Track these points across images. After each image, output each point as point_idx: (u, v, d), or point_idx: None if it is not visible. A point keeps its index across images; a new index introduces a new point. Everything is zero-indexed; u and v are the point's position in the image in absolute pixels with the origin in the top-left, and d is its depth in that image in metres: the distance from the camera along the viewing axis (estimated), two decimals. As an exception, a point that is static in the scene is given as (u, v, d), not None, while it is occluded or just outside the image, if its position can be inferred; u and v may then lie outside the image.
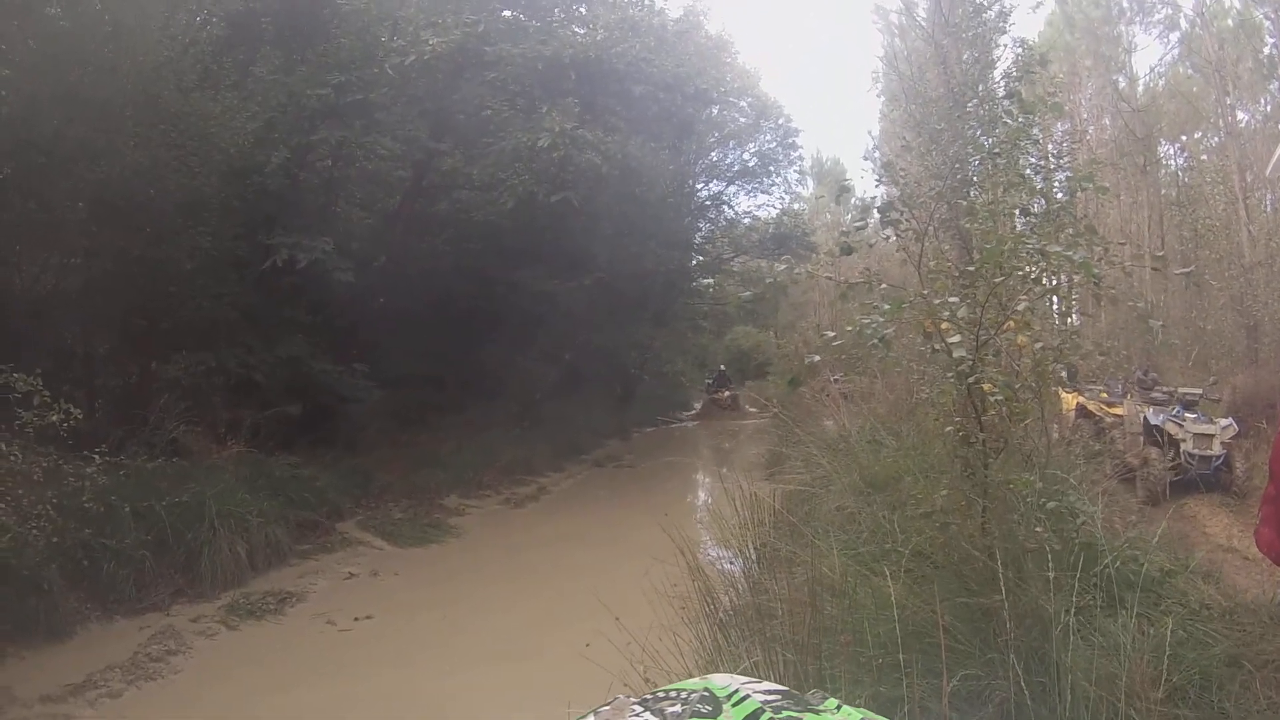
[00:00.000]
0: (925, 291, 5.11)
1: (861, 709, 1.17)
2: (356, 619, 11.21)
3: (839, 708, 1.16)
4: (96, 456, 10.43)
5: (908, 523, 6.33)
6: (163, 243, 13.98)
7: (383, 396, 18.79)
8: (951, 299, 5.05)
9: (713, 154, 36.59)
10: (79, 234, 13.57)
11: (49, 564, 9.79)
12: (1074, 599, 4.56)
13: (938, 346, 5.14)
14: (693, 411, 40.36)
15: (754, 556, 7.59)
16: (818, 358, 6.11)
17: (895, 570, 5.11)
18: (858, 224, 6.13)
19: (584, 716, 1.14)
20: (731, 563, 7.93)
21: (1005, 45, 16.09)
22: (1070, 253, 4.95)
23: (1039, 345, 5.48)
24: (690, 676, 4.26)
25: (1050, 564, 4.62)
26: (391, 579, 13.25)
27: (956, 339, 4.97)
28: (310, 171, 18.30)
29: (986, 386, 4.96)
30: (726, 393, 39.28)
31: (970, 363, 4.90)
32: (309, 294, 17.58)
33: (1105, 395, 15.26)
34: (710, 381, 42.01)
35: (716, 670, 5.20)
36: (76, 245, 13.85)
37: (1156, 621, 5.05)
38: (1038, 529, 5.05)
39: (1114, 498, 9.34)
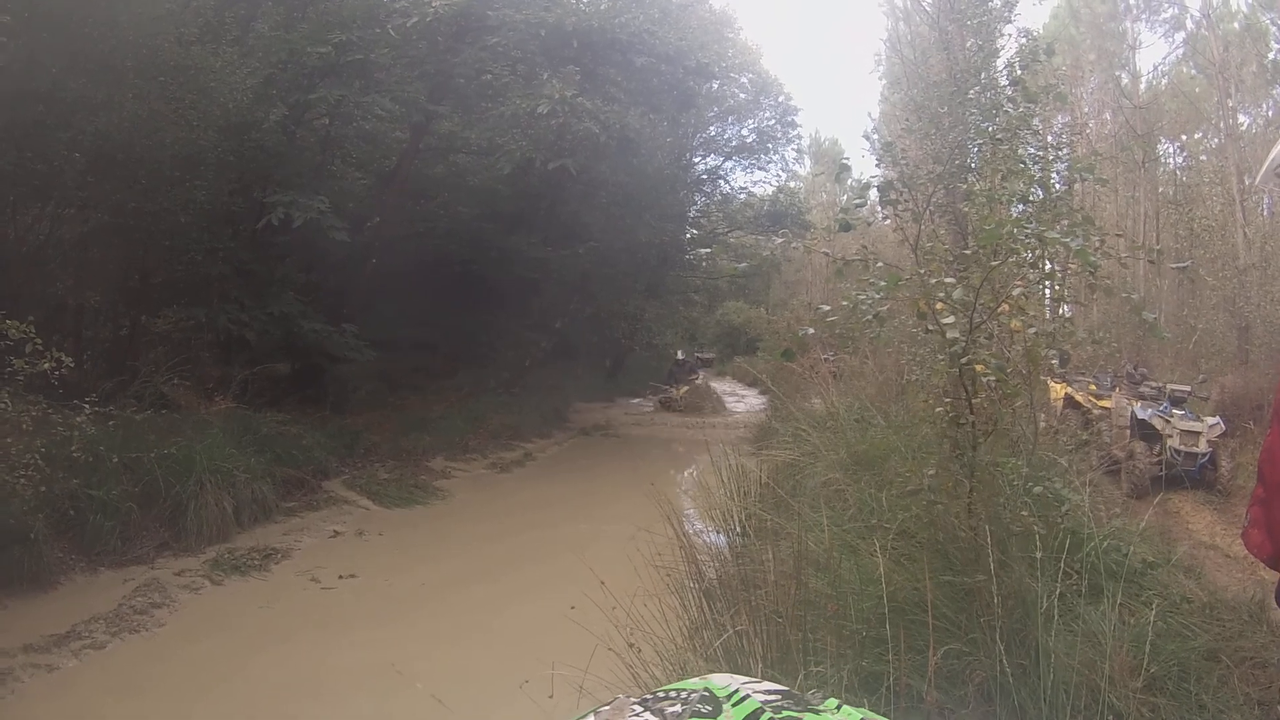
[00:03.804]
0: (922, 271, 5.12)
1: (861, 709, 1.17)
2: (341, 577, 11.23)
3: (839, 707, 1.16)
4: (86, 406, 10.43)
5: (894, 500, 6.36)
6: (158, 196, 13.96)
7: (373, 358, 18.80)
8: (948, 279, 5.06)
9: (711, 128, 36.55)
10: (75, 186, 13.55)
11: (35, 514, 9.80)
12: (1058, 583, 4.59)
13: (932, 327, 5.15)
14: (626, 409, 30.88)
15: (739, 528, 7.62)
16: (811, 330, 6.09)
17: (881, 546, 5.13)
18: (857, 201, 6.13)
19: (584, 716, 1.15)
20: (717, 532, 7.96)
21: (1009, 34, 16.09)
22: (1068, 239, 4.96)
23: (1032, 330, 5.50)
24: (674, 642, 4.29)
25: (1036, 546, 4.66)
26: (376, 539, 13.29)
27: (950, 320, 4.98)
28: (307, 129, 18.28)
29: (979, 368, 4.98)
30: (684, 388, 31.33)
31: (963, 344, 4.92)
32: (302, 252, 17.61)
33: (1094, 387, 15.31)
34: (669, 373, 33.39)
35: (699, 636, 5.24)
36: (72, 197, 13.84)
37: (1137, 612, 5.10)
38: (1023, 512, 5.08)
39: (1099, 489, 9.38)
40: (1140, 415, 13.57)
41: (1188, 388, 14.26)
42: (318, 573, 11.37)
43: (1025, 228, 5.06)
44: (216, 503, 12.09)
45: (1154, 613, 4.88)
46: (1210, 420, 13.40)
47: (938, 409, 5.66)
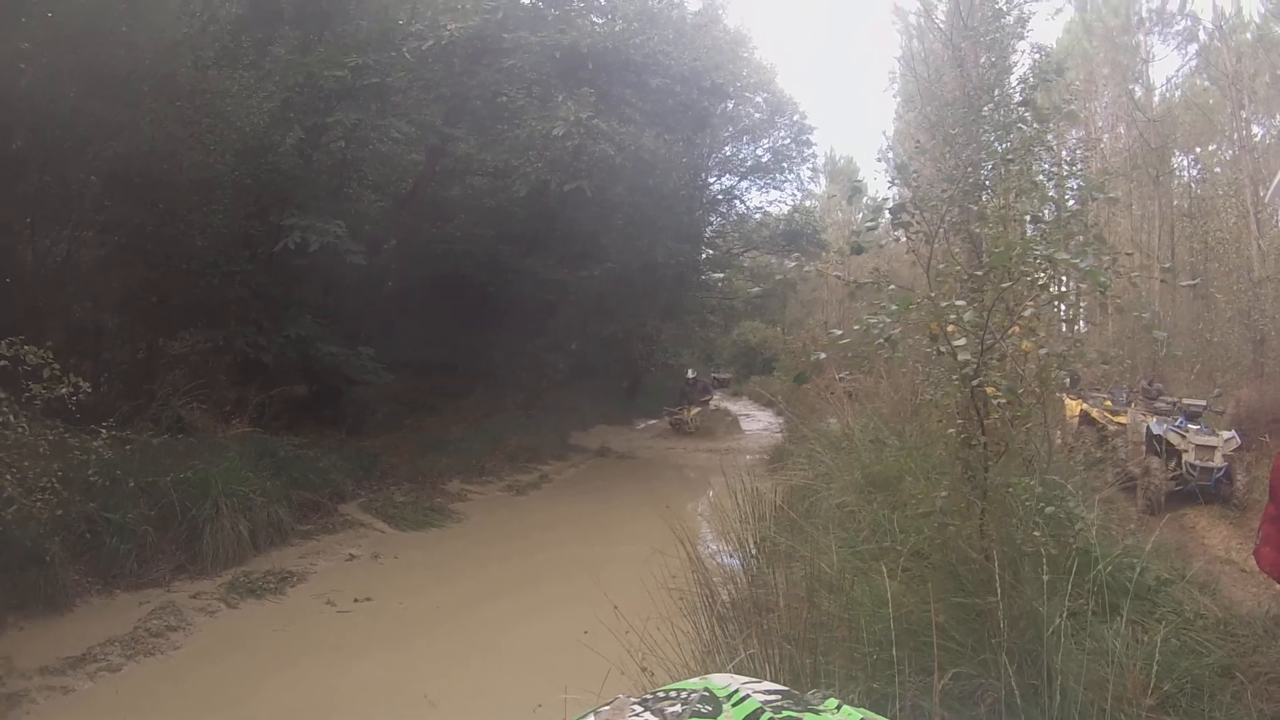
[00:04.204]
0: (933, 294, 5.13)
1: (861, 709, 1.17)
2: (356, 600, 11.25)
3: (839, 707, 1.17)
4: (103, 430, 10.49)
5: (907, 522, 6.35)
6: (175, 219, 14.08)
7: (390, 380, 18.81)
8: (958, 302, 5.06)
9: (726, 148, 36.49)
10: (93, 209, 13.70)
11: (52, 537, 9.85)
12: (1067, 603, 4.58)
13: (943, 349, 5.16)
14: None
15: (754, 551, 7.62)
16: (824, 355, 6.11)
17: (893, 569, 5.13)
18: (869, 224, 6.15)
19: (584, 716, 1.15)
20: (731, 556, 7.96)
21: (1023, 50, 16.09)
22: (1077, 260, 4.97)
23: (1043, 351, 5.50)
24: (686, 666, 4.28)
25: (1045, 568, 4.64)
26: (392, 562, 13.30)
27: (962, 342, 4.98)
28: (324, 153, 18.35)
29: (990, 390, 4.98)
30: (695, 410, 29.89)
31: (975, 366, 4.92)
32: (319, 275, 17.63)
33: (1109, 403, 15.24)
34: (682, 393, 31.40)
35: (712, 660, 5.24)
36: (90, 220, 13.96)
37: (1151, 630, 5.08)
38: (1035, 533, 5.06)
39: (1114, 506, 9.37)
40: (1155, 430, 13.51)
41: (1203, 402, 14.17)
42: (333, 595, 11.39)
43: (1035, 249, 5.06)
44: (233, 526, 12.12)
45: (1166, 630, 4.88)
46: (1226, 434, 13.31)
47: (950, 430, 5.66)
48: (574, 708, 4.59)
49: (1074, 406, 14.90)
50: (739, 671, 4.73)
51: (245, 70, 15.52)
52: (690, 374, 32.85)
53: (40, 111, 12.22)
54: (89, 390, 9.98)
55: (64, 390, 9.45)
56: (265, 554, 12.61)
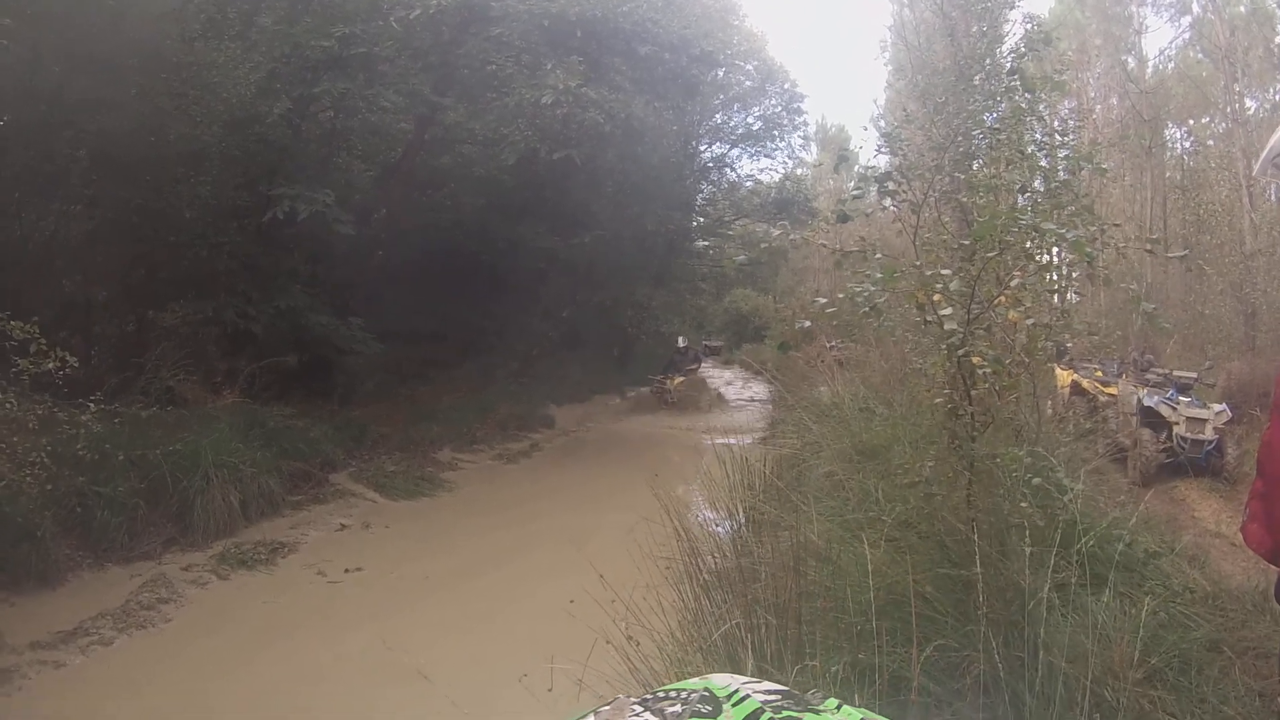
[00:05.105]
0: (918, 263, 5.10)
1: (862, 709, 1.17)
2: (347, 570, 11.27)
3: (839, 707, 1.16)
4: (91, 404, 10.50)
5: (894, 492, 6.33)
6: (163, 192, 14.03)
7: (381, 350, 18.81)
8: (944, 271, 5.03)
9: (717, 116, 36.59)
10: (80, 183, 13.65)
11: (42, 511, 9.84)
12: (1050, 575, 4.55)
13: (930, 318, 5.13)
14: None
15: (741, 520, 7.61)
16: (809, 323, 6.10)
17: (878, 538, 5.11)
18: (855, 192, 6.11)
19: (584, 716, 1.14)
20: (718, 525, 7.96)
21: (1015, 20, 16.05)
22: (1064, 230, 4.94)
23: (1030, 321, 5.47)
24: (672, 635, 4.28)
25: (1028, 539, 4.61)
26: (382, 531, 13.33)
27: (948, 311, 4.95)
28: (312, 123, 18.23)
29: (975, 360, 4.95)
30: (678, 378, 29.21)
31: (961, 336, 4.89)
32: (308, 245, 17.58)
33: (1100, 374, 15.25)
34: (671, 362, 30.99)
35: (697, 629, 5.24)
36: (78, 194, 13.93)
37: (1139, 602, 5.06)
38: (1023, 504, 5.04)
39: (1104, 477, 9.38)
40: (1146, 402, 13.53)
41: (1194, 374, 14.21)
42: (324, 566, 11.42)
43: (1021, 218, 5.03)
44: (223, 497, 12.13)
45: (1153, 604, 4.84)
46: (1217, 407, 13.34)
47: (936, 400, 5.64)
48: (560, 677, 4.60)
49: (1065, 377, 14.94)
50: (726, 638, 4.74)
51: (231, 41, 15.41)
52: (681, 342, 33.24)
53: (25, 89, 12.16)
54: (76, 365, 9.97)
55: (50, 365, 9.45)
56: (256, 525, 12.63)
